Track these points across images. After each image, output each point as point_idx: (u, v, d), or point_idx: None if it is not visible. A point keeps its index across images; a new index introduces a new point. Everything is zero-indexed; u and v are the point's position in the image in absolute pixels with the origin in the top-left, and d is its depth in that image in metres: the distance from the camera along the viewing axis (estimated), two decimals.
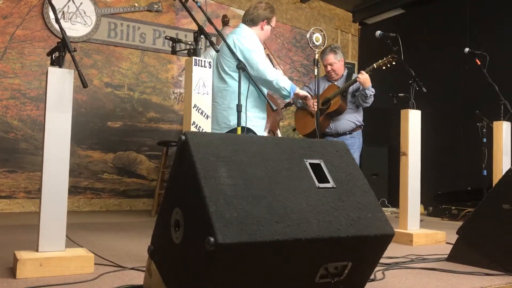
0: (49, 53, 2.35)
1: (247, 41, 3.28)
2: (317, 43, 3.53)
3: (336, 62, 4.17)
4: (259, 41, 3.35)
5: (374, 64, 3.89)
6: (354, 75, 4.15)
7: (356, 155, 4.17)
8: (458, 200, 5.12)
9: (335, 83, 4.18)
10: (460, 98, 5.65)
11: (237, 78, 3.19)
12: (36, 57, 4.78)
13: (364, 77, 3.86)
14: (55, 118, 2.20)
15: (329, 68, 4.18)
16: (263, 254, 1.46)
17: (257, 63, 3.23)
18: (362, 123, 4.25)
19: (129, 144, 5.28)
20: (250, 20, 3.45)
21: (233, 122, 3.21)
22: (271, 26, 3.51)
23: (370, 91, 3.93)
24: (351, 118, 4.12)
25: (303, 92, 3.54)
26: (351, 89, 4.07)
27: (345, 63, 4.38)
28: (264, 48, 3.71)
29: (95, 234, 3.38)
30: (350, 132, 4.14)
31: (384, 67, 3.83)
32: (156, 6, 5.36)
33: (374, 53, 4.12)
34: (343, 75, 4.24)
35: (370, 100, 4.00)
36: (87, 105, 5.05)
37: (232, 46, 3.14)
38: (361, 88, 3.96)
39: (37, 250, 2.12)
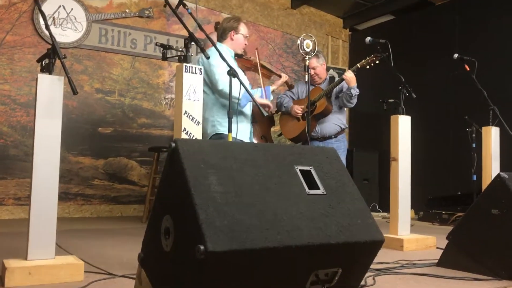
0: (39, 60, 2.34)
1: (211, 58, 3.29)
2: (307, 50, 3.55)
3: (319, 66, 4.20)
4: (218, 57, 3.24)
5: (358, 64, 3.95)
6: (336, 79, 4.20)
7: (342, 158, 4.18)
8: (448, 204, 5.15)
9: (319, 86, 4.21)
10: (450, 103, 5.70)
11: (208, 92, 3.32)
12: (26, 63, 4.76)
13: (350, 76, 3.89)
14: (45, 124, 2.19)
15: (312, 72, 4.19)
16: (253, 261, 1.46)
17: (214, 74, 3.27)
18: (346, 125, 4.28)
19: (120, 150, 5.26)
20: (219, 36, 3.59)
21: (208, 131, 3.39)
22: (241, 34, 3.56)
23: (355, 91, 3.96)
24: (336, 121, 4.15)
25: (262, 101, 3.57)
26: (334, 90, 4.11)
27: (336, 69, 4.41)
28: (250, 60, 3.73)
29: (85, 241, 3.36)
30: (335, 135, 4.17)
31: (368, 66, 3.89)
32: (147, 12, 5.36)
33: (364, 58, 4.15)
34: (325, 79, 4.27)
35: (354, 101, 4.03)
36: (78, 111, 5.03)
37: (199, 63, 3.26)
38: (346, 88, 4.00)
39: (26, 258, 2.10)
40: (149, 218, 1.75)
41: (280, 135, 4.59)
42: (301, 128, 4.11)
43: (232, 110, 2.86)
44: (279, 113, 4.46)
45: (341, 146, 4.19)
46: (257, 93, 3.74)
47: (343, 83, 4.02)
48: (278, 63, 6.29)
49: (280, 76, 3.99)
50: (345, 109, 4.30)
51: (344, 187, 1.85)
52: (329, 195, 1.76)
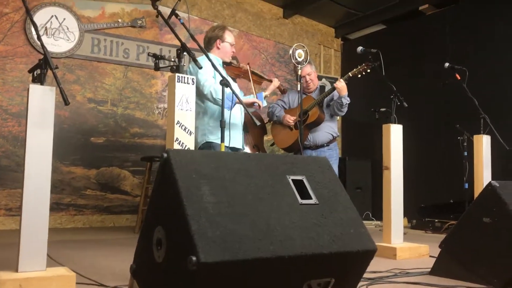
0: (31, 70, 2.34)
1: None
2: (299, 59, 3.57)
3: (312, 73, 4.24)
4: (207, 64, 3.19)
5: (350, 73, 3.99)
6: (327, 87, 4.22)
7: (335, 167, 4.20)
8: (441, 212, 5.17)
9: (310, 95, 4.23)
10: (441, 112, 5.74)
11: (198, 101, 3.28)
12: (18, 73, 4.74)
13: (341, 85, 3.93)
14: (36, 135, 2.18)
15: (307, 78, 4.21)
16: (246, 272, 1.46)
17: (200, 80, 3.27)
18: (338, 134, 4.31)
19: (113, 160, 5.24)
20: (206, 45, 3.61)
21: (198, 140, 3.40)
22: (227, 42, 3.57)
23: (346, 100, 4.00)
24: (328, 129, 4.18)
25: (248, 99, 3.56)
26: (325, 99, 4.13)
27: (329, 78, 4.45)
28: (239, 67, 3.73)
29: (77, 251, 3.34)
30: (328, 144, 4.19)
31: (359, 75, 3.92)
32: (139, 22, 5.37)
33: (356, 68, 4.19)
34: (317, 87, 4.30)
35: (345, 109, 4.07)
36: (70, 121, 5.01)
37: (187, 72, 3.30)
38: (337, 96, 4.03)
39: (16, 270, 2.08)
40: (141, 229, 1.74)
41: (272, 144, 4.59)
42: (294, 137, 4.12)
43: (224, 120, 2.86)
44: (271, 122, 4.46)
45: (333, 154, 4.21)
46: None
47: (334, 92, 4.05)
48: (271, 72, 6.31)
49: (270, 81, 3.97)
50: (336, 117, 4.32)
51: (337, 197, 1.85)
52: (322, 204, 1.76)
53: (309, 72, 4.20)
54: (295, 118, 4.13)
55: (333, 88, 4.01)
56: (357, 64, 3.99)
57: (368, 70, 3.86)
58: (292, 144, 4.15)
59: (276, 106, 4.32)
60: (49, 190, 2.18)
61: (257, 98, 3.70)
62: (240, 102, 2.97)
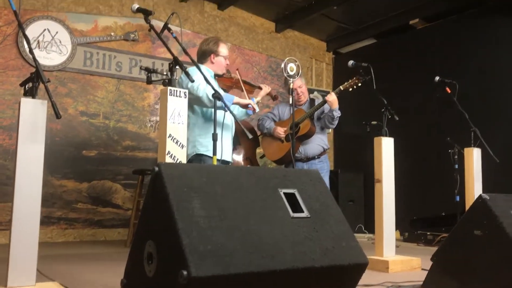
0: (22, 84, 2.33)
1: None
2: (291, 73, 3.60)
3: (303, 86, 4.28)
4: (198, 74, 3.12)
5: (341, 86, 4.04)
6: (317, 101, 4.25)
7: (326, 179, 4.22)
8: (433, 225, 5.18)
9: (301, 108, 4.25)
10: (432, 125, 5.78)
11: (188, 112, 3.27)
12: (9, 86, 4.73)
13: (332, 98, 3.97)
14: (27, 149, 2.17)
15: (298, 91, 4.25)
16: (237, 286, 1.45)
17: (193, 86, 3.21)
18: (328, 146, 4.35)
19: (104, 173, 5.22)
20: (198, 58, 3.59)
21: (188, 151, 3.36)
22: (222, 56, 3.57)
23: (337, 113, 4.04)
24: (319, 142, 4.21)
25: (243, 100, 3.54)
26: (316, 112, 4.16)
27: (320, 91, 4.48)
28: (230, 78, 3.74)
29: (68, 266, 3.30)
30: (319, 156, 4.22)
31: (351, 89, 3.96)
32: (132, 36, 5.39)
33: (347, 81, 4.23)
34: (307, 100, 4.33)
35: (336, 122, 4.12)
36: (62, 134, 4.99)
37: (178, 83, 3.26)
38: (327, 109, 4.06)
39: (5, 286, 2.06)
40: (131, 243, 1.74)
41: (262, 156, 4.59)
42: (285, 149, 4.13)
43: (216, 133, 2.86)
44: (260, 134, 4.47)
45: (324, 166, 4.24)
46: (240, 108, 3.73)
47: (325, 104, 4.08)
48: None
49: (260, 88, 3.96)
50: (327, 130, 4.35)
51: (328, 210, 1.86)
52: (313, 218, 1.77)
53: (300, 85, 4.23)
54: (285, 130, 4.15)
55: (324, 101, 4.04)
56: (349, 78, 4.02)
57: (359, 84, 3.90)
58: (283, 156, 4.16)
59: (266, 118, 4.33)
60: (39, 204, 2.16)
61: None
62: (233, 114, 2.98)
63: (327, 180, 4.23)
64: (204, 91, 3.20)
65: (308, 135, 4.10)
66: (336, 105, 3.99)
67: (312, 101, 4.33)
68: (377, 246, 3.43)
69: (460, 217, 2.89)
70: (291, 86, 3.65)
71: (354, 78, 3.92)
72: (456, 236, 2.58)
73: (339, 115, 4.06)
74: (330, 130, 4.25)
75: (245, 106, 3.57)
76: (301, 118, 4.10)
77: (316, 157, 4.19)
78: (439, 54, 5.82)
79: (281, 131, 4.15)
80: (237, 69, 3.90)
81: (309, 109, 4.17)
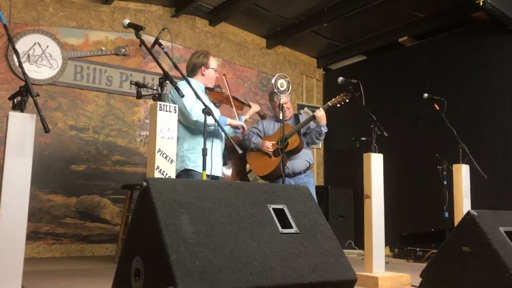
0: (11, 98, 2.32)
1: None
2: (281, 89, 3.62)
3: (288, 101, 4.31)
4: (189, 90, 3.04)
5: (329, 102, 4.09)
6: (301, 117, 4.28)
7: (314, 194, 4.23)
8: (422, 241, 5.19)
9: (287, 123, 4.27)
10: (421, 141, 5.83)
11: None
12: None
13: (321, 114, 4.01)
14: (14, 163, 2.15)
15: (284, 107, 4.27)
16: None
17: (185, 107, 3.25)
18: (313, 161, 4.40)
19: (93, 188, 5.17)
20: (189, 71, 3.60)
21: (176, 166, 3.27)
22: (212, 69, 3.59)
23: (325, 129, 4.07)
24: (305, 157, 4.24)
25: (235, 122, 3.58)
26: (303, 129, 4.20)
27: (311, 107, 4.51)
28: (221, 93, 3.75)
29: (54, 282, 3.25)
30: (305, 171, 4.23)
31: (338, 105, 4.00)
32: (123, 50, 5.39)
33: (335, 97, 4.27)
34: (292, 115, 4.36)
35: (322, 138, 4.17)
36: (51, 148, 4.96)
37: (169, 98, 3.30)
38: (316, 125, 4.09)
39: None
40: (119, 259, 1.72)
41: (249, 172, 4.58)
42: (274, 165, 4.13)
43: (206, 148, 2.85)
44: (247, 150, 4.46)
45: (310, 181, 4.27)
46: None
47: (312, 122, 4.12)
48: (254, 101, 6.36)
49: (250, 106, 3.98)
50: (311, 146, 4.37)
51: (317, 226, 1.85)
52: (302, 234, 1.76)
53: (285, 101, 4.26)
54: (273, 144, 4.16)
55: (313, 117, 4.06)
56: (338, 94, 4.06)
57: (347, 100, 3.94)
58: (272, 171, 4.15)
59: (252, 134, 4.34)
60: (25, 218, 2.14)
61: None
62: (223, 130, 2.98)
63: (315, 194, 4.24)
64: (197, 114, 3.20)
65: (297, 150, 4.12)
66: (324, 121, 4.02)
67: (296, 116, 4.36)
68: (367, 262, 3.43)
69: (449, 233, 2.90)
70: (281, 102, 3.67)
71: (342, 94, 3.97)
72: (445, 252, 2.58)
73: (326, 131, 4.10)
74: (318, 145, 4.27)
75: (236, 127, 3.60)
76: (289, 133, 4.11)
77: (302, 172, 4.21)
78: (427, 71, 5.89)
79: (269, 145, 4.16)
80: (224, 75, 3.91)
81: (294, 125, 4.20)
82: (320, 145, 6.88)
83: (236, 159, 4.31)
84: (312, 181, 4.29)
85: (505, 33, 5.12)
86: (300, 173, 4.20)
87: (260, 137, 4.34)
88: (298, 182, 4.19)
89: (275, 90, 3.67)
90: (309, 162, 4.26)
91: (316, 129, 4.09)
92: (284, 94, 3.68)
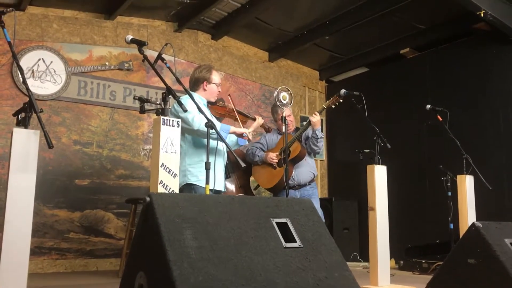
0: (15, 114, 2.34)
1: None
2: (284, 101, 3.64)
3: (291, 114, 4.34)
4: (191, 103, 3.11)
5: (324, 105, 4.16)
6: (305, 123, 4.31)
7: (317, 205, 4.23)
8: (428, 253, 5.15)
9: (289, 133, 4.28)
10: (424, 153, 5.82)
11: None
12: (3, 115, 4.73)
13: (317, 118, 4.07)
14: (19, 178, 2.16)
15: (287, 119, 4.30)
16: None
17: (188, 118, 3.23)
18: (317, 172, 4.42)
19: (97, 202, 5.17)
20: (191, 86, 3.61)
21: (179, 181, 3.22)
22: (214, 83, 3.59)
23: (320, 133, 4.11)
24: (310, 168, 4.27)
25: (239, 130, 3.57)
26: (302, 137, 4.21)
27: None
28: (223, 107, 3.76)
29: None
30: (310, 183, 4.24)
31: (333, 106, 4.09)
32: (127, 65, 5.43)
33: (340, 109, 4.29)
34: (294, 127, 4.40)
35: (321, 144, 4.20)
36: (55, 163, 4.97)
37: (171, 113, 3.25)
38: (312, 131, 4.11)
39: None
40: (122, 274, 1.71)
41: (256, 187, 4.59)
42: (279, 175, 4.15)
43: (209, 162, 2.86)
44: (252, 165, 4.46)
45: (315, 192, 4.29)
46: (231, 138, 3.74)
47: (309, 130, 4.15)
48: (257, 114, 6.38)
49: (254, 119, 3.97)
50: (313, 155, 4.38)
51: (321, 239, 1.85)
52: (306, 247, 1.76)
53: (289, 113, 4.30)
54: (277, 154, 4.18)
55: (309, 123, 4.10)
56: (341, 105, 4.09)
57: (341, 100, 3.98)
58: (278, 182, 4.16)
59: (255, 148, 4.36)
60: (29, 235, 2.14)
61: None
62: (225, 143, 2.99)
63: (318, 205, 4.24)
64: (199, 123, 3.21)
65: (300, 157, 4.14)
66: (318, 125, 4.09)
67: (297, 129, 4.40)
68: (372, 275, 3.41)
69: (454, 245, 2.89)
70: (284, 114, 3.69)
71: (335, 95, 4.04)
72: (450, 264, 2.57)
73: (323, 136, 4.13)
74: (319, 153, 4.29)
75: (240, 135, 3.60)
76: (289, 141, 4.14)
77: (307, 184, 4.22)
78: (430, 83, 5.90)
79: (273, 156, 4.18)
80: (229, 95, 3.93)
81: (296, 132, 4.24)
82: (324, 157, 6.88)
83: (239, 172, 4.31)
84: (316, 193, 4.31)
85: (506, 44, 5.13)
86: (305, 185, 4.21)
87: (263, 150, 4.35)
88: (304, 194, 4.19)
89: (278, 103, 3.69)
90: (313, 174, 4.28)
91: (312, 135, 4.13)
92: (286, 107, 3.69)
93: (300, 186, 4.20)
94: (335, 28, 5.74)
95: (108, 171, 5.27)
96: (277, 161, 4.18)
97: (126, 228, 4.69)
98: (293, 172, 4.17)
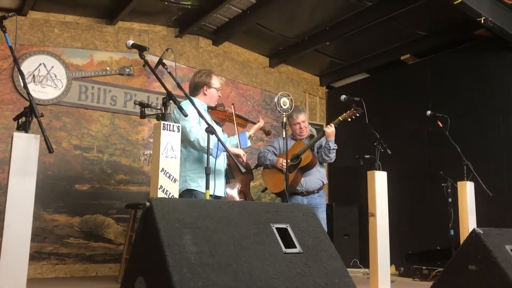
0: (16, 118, 2.34)
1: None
2: (284, 107, 3.63)
3: (306, 121, 4.34)
4: (191, 108, 3.09)
5: (340, 117, 4.06)
6: (319, 133, 4.29)
7: (325, 215, 4.24)
8: (428, 260, 5.13)
9: (302, 140, 4.29)
10: (425, 159, 5.81)
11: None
12: (3, 119, 4.73)
13: (331, 129, 4.02)
14: (18, 183, 2.16)
15: (302, 126, 4.32)
16: None
17: (186, 127, 3.18)
18: (326, 181, 4.39)
19: (97, 207, 5.17)
20: (191, 91, 3.60)
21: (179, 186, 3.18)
22: (214, 88, 3.58)
23: (333, 145, 4.08)
24: (319, 176, 4.25)
25: (234, 150, 3.51)
26: (315, 145, 4.20)
27: (314, 124, 4.52)
28: (224, 111, 3.75)
29: None
30: (318, 190, 4.22)
31: (349, 119, 4.00)
32: (127, 70, 5.44)
33: (341, 115, 4.27)
34: (308, 134, 4.38)
35: (333, 155, 4.14)
36: (55, 168, 4.97)
37: (171, 118, 3.24)
38: (325, 141, 4.10)
39: None
40: (121, 280, 1.71)
41: (264, 190, 4.60)
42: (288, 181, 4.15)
43: (209, 167, 2.85)
44: (261, 168, 4.47)
45: (322, 201, 4.27)
46: (232, 141, 3.73)
47: (322, 139, 4.12)
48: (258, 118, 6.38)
49: (254, 123, 3.92)
50: (324, 164, 4.37)
51: (321, 245, 1.84)
52: (306, 253, 1.75)
53: (303, 119, 4.32)
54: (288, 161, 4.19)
55: (323, 133, 4.08)
56: (342, 111, 4.07)
57: (358, 114, 3.93)
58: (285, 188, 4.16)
59: (267, 152, 4.35)
60: (29, 239, 2.13)
61: (240, 138, 3.68)
62: (226, 149, 2.98)
63: (324, 215, 4.24)
64: (197, 136, 3.17)
65: (310, 166, 4.14)
66: (332, 136, 4.04)
67: (311, 136, 4.38)
68: (372, 281, 3.39)
69: (455, 252, 2.88)
70: (284, 120, 3.68)
71: (352, 109, 3.95)
72: (451, 271, 2.56)
73: (336, 147, 4.09)
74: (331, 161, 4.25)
75: (235, 156, 3.38)
76: (302, 149, 4.15)
77: (315, 191, 4.20)
78: (430, 89, 5.90)
79: (284, 162, 4.18)
80: (233, 104, 3.91)
81: (310, 141, 4.22)
82: (327, 163, 6.86)
83: (239, 177, 4.31)
84: (324, 202, 4.29)
85: (506, 50, 5.14)
86: (313, 192, 4.20)
87: (276, 154, 4.34)
88: (311, 202, 4.18)
89: (278, 109, 3.68)
90: (322, 182, 4.27)
91: (325, 145, 4.11)
92: (287, 112, 3.69)
93: (308, 193, 4.19)
94: (336, 34, 5.75)
95: (108, 176, 5.27)
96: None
97: (126, 233, 4.68)
98: (302, 179, 4.17)
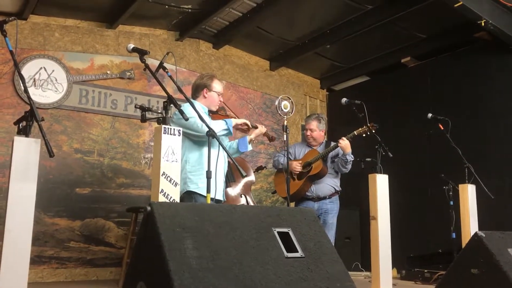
0: (16, 122, 2.34)
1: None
2: (285, 110, 3.63)
3: (317, 130, 4.31)
4: (193, 111, 3.04)
5: (355, 132, 4.01)
6: (332, 144, 4.25)
7: (335, 220, 4.22)
8: (430, 263, 5.12)
9: (316, 149, 4.29)
10: (426, 162, 5.80)
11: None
12: (4, 123, 4.73)
13: (345, 143, 3.99)
14: (19, 188, 2.16)
15: (308, 133, 4.31)
16: None
17: (189, 122, 3.08)
18: (340, 189, 4.32)
19: (98, 211, 5.16)
20: (192, 93, 3.60)
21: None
22: (214, 91, 3.56)
23: (350, 157, 4.06)
24: (331, 183, 4.22)
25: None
26: (330, 154, 4.18)
27: None
28: (226, 115, 3.75)
29: None
30: (330, 196, 4.21)
31: (364, 135, 3.93)
32: (128, 74, 5.44)
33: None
34: (322, 142, 4.37)
35: (349, 166, 4.13)
36: (55, 172, 4.96)
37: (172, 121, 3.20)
38: (341, 153, 4.08)
39: None
40: (122, 284, 1.70)
41: (274, 192, 4.61)
42: (296, 187, 4.16)
43: (210, 171, 2.85)
44: (262, 171, 4.49)
45: (334, 207, 4.23)
46: (233, 145, 3.73)
47: (338, 148, 4.10)
48: (258, 122, 6.37)
49: (256, 127, 3.90)
50: (340, 173, 4.34)
51: (323, 249, 1.84)
52: (308, 257, 1.74)
53: (313, 128, 4.30)
54: (301, 163, 4.19)
55: (336, 145, 4.06)
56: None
57: (373, 131, 3.87)
58: (294, 193, 4.16)
59: (282, 156, 4.34)
60: (30, 243, 2.13)
61: (240, 142, 3.67)
62: (227, 152, 2.98)
63: (335, 221, 4.22)
64: (202, 124, 3.15)
65: (320, 175, 4.13)
66: (348, 149, 4.02)
67: (327, 143, 4.35)
68: (374, 285, 3.38)
69: (457, 255, 2.86)
70: (285, 123, 3.67)
71: (369, 124, 3.88)
72: (453, 274, 2.55)
73: (352, 159, 4.08)
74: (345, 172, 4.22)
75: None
76: (314, 158, 4.16)
77: (327, 197, 4.18)
78: (431, 91, 5.89)
79: (297, 166, 4.18)
80: (234, 113, 3.90)
81: (323, 151, 4.21)
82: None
83: (240, 179, 4.32)
84: (335, 208, 4.25)
85: (507, 53, 5.14)
86: (324, 197, 4.18)
87: (290, 159, 4.33)
88: (322, 207, 4.17)
89: (279, 112, 3.68)
90: (335, 188, 4.25)
91: (342, 157, 4.10)
92: (288, 115, 3.69)
93: (319, 198, 4.18)
94: (336, 37, 5.75)
95: (109, 180, 5.26)
96: (299, 172, 4.17)
97: (127, 237, 4.67)
98: (312, 186, 4.16)
